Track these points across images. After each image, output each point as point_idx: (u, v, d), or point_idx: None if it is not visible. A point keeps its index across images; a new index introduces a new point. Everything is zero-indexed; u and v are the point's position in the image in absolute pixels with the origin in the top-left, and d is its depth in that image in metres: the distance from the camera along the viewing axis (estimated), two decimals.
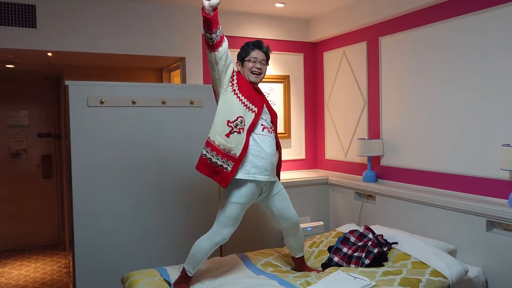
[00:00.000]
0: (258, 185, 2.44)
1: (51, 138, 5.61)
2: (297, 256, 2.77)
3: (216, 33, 2.32)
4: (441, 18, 3.13)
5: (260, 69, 2.56)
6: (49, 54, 3.75)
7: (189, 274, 2.45)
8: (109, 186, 3.07)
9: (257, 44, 2.59)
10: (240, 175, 2.37)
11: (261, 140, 2.43)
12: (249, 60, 2.54)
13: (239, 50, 2.62)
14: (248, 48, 2.56)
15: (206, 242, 2.42)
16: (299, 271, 2.77)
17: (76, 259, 2.98)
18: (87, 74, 4.61)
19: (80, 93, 2.98)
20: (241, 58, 2.58)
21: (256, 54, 2.55)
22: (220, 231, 2.41)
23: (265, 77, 4.19)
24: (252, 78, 2.54)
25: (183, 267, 2.46)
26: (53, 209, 5.60)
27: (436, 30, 3.17)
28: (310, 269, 2.80)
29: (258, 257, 2.92)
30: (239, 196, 2.40)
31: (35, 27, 3.40)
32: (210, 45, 2.34)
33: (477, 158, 2.91)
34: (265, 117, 2.52)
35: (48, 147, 5.59)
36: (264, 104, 2.54)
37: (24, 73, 5.19)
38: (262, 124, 2.46)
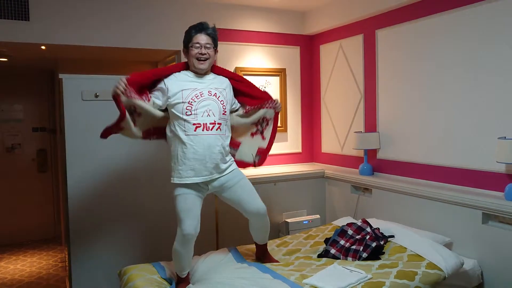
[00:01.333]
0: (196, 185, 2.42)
1: (46, 132, 5.57)
2: (260, 244, 2.73)
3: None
4: (438, 11, 3.11)
5: (204, 54, 2.40)
6: (43, 47, 3.71)
7: (180, 275, 2.46)
8: (104, 179, 3.06)
9: (200, 27, 2.41)
10: (176, 180, 2.40)
11: (195, 141, 2.35)
12: (192, 46, 2.39)
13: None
14: (191, 32, 2.41)
15: (175, 244, 2.41)
16: (259, 259, 2.74)
17: (72, 253, 2.98)
18: (81, 67, 4.57)
19: (74, 86, 2.95)
20: (185, 45, 2.43)
21: (199, 38, 2.39)
22: (179, 227, 2.37)
23: (261, 70, 4.26)
24: (198, 65, 2.40)
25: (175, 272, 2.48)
26: (49, 204, 5.58)
27: (433, 23, 3.15)
28: (271, 259, 2.75)
29: (247, 251, 2.91)
30: (179, 188, 2.40)
31: (28, 20, 3.36)
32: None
33: (473, 151, 2.91)
34: (207, 110, 2.38)
35: (43, 141, 5.55)
36: (207, 95, 2.40)
37: (17, 67, 5.14)
38: (194, 123, 2.35)
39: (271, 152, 4.27)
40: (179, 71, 2.48)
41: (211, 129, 2.37)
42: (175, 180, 2.39)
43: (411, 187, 3.20)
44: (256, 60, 4.24)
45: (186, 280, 2.46)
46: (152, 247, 3.20)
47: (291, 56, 4.47)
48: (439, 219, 3.00)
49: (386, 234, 2.92)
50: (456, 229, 2.88)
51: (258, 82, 4.26)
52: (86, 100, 2.98)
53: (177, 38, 3.89)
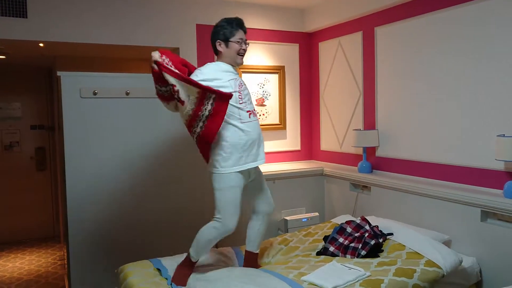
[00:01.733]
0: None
1: (44, 130, 5.56)
2: (255, 251, 2.69)
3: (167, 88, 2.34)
4: (436, 8, 3.11)
5: (245, 50, 2.52)
6: (41, 44, 3.70)
7: (192, 259, 2.45)
8: (103, 177, 3.05)
9: (241, 23, 2.51)
10: (235, 168, 2.42)
11: (251, 127, 2.46)
12: (236, 41, 2.46)
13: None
14: (233, 28, 2.46)
15: (210, 231, 2.39)
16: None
17: (71, 251, 2.97)
18: (80, 65, 4.55)
19: (72, 84, 2.94)
20: (225, 38, 2.46)
21: (241, 34, 2.48)
22: (225, 221, 2.36)
23: (260, 67, 4.25)
24: (240, 60, 2.50)
25: (189, 251, 2.46)
26: (47, 202, 5.57)
27: (432, 20, 3.15)
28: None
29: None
30: (230, 179, 2.40)
31: (26, 17, 3.35)
32: (166, 97, 2.40)
33: (472, 149, 2.91)
34: (249, 98, 2.55)
35: (42, 139, 5.54)
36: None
37: (16, 64, 5.13)
38: (248, 111, 2.49)
39: (270, 149, 4.31)
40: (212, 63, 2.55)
41: (255, 115, 2.53)
42: (234, 169, 2.40)
43: (410, 185, 3.20)
44: (255, 58, 4.23)
45: (192, 265, 2.47)
46: (151, 245, 3.19)
47: (290, 53, 4.46)
48: (438, 217, 2.99)
49: (385, 232, 2.92)
50: (455, 227, 2.88)
51: (257, 79, 4.25)
52: (85, 98, 2.97)
53: (176, 36, 3.90)
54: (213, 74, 2.41)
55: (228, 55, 2.48)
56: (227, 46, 2.46)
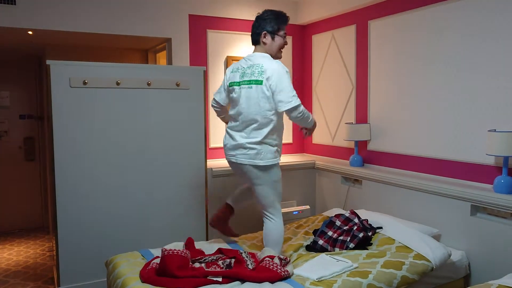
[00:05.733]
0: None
1: (33, 120, 5.48)
2: (234, 207, 2.78)
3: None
4: (430, 2, 3.10)
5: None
6: (30, 32, 3.62)
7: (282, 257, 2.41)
8: (92, 168, 3.02)
9: (287, 18, 2.53)
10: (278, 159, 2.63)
11: None
12: (282, 36, 2.49)
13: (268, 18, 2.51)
14: (281, 22, 2.47)
15: (282, 225, 2.53)
16: (219, 222, 2.78)
17: (60, 242, 2.95)
18: (70, 54, 4.48)
19: (62, 73, 2.90)
20: (273, 31, 2.46)
21: (285, 29, 2.53)
22: (280, 214, 2.53)
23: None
24: (280, 54, 2.54)
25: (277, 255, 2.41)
26: (36, 192, 5.51)
27: (425, 14, 3.14)
28: (231, 231, 2.84)
29: (244, 240, 2.93)
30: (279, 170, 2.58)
31: (14, 4, 3.28)
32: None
33: (463, 143, 2.92)
34: None
35: (31, 128, 5.47)
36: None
37: (4, 52, 5.03)
38: None
39: None
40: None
41: None
42: (279, 159, 2.56)
43: (401, 179, 3.21)
44: (247, 49, 4.19)
45: None
46: (140, 237, 3.18)
47: None
48: (428, 211, 3.01)
49: (375, 226, 2.93)
50: (444, 221, 2.90)
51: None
52: (74, 87, 2.93)
53: (168, 26, 3.85)
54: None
55: (271, 48, 2.49)
56: (273, 39, 2.47)
